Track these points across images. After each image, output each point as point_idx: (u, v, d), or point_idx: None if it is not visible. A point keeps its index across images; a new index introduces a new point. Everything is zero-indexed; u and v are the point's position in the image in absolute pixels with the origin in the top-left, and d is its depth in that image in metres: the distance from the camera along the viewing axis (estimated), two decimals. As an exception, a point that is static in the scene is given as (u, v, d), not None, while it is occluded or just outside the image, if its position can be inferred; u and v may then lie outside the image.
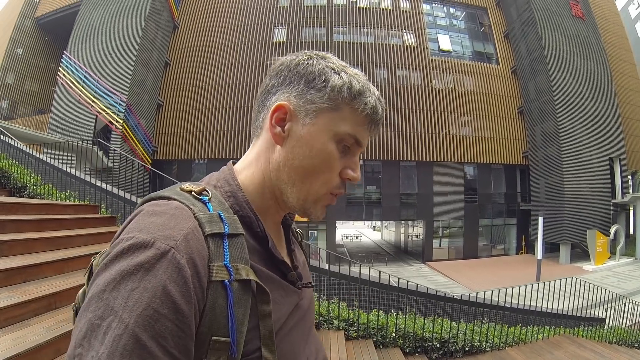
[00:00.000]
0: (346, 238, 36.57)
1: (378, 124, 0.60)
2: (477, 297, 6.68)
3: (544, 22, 20.94)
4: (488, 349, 5.05)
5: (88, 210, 4.91)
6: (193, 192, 0.53)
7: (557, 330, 6.19)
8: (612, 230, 18.67)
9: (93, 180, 6.46)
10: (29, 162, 7.14)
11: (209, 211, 0.51)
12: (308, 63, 0.58)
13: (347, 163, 0.59)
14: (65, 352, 1.58)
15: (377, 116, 0.59)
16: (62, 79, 19.62)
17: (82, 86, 18.84)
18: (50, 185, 6.27)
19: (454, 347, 4.81)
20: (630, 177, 22.00)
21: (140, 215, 0.48)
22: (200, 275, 0.45)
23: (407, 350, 4.56)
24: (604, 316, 7.67)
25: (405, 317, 4.78)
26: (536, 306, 6.82)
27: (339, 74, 0.57)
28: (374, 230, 45.28)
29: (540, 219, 17.46)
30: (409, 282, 5.70)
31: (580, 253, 19.78)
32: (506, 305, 6.50)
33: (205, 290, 0.45)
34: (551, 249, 21.10)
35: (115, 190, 6.22)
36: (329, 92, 0.56)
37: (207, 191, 0.55)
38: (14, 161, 6.83)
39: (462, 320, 5.76)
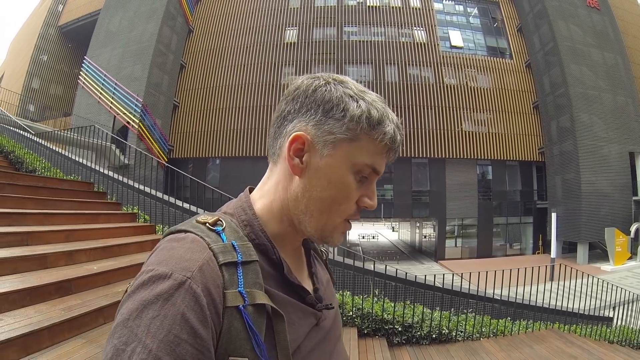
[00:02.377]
0: (362, 237, 37.53)
1: (396, 151, 0.61)
2: (461, 287, 6.50)
3: (557, 13, 20.72)
4: (460, 339, 4.94)
5: (82, 186, 5.66)
6: (207, 224, 0.56)
7: (547, 325, 5.99)
8: (633, 228, 18.19)
9: (89, 164, 7.24)
10: (41, 152, 8.06)
11: (223, 241, 0.54)
12: (325, 90, 0.58)
13: (364, 192, 0.60)
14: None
15: (395, 144, 0.60)
16: (83, 83, 20.96)
17: (102, 88, 20.09)
18: (58, 170, 7.12)
19: (418, 333, 4.72)
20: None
21: (160, 250, 0.52)
22: (215, 302, 0.48)
23: (366, 332, 4.53)
24: (611, 316, 7.35)
25: (363, 298, 4.73)
26: (535, 302, 6.61)
27: (357, 102, 0.57)
28: (393, 230, 45.82)
29: (554, 216, 17.14)
30: (390, 269, 5.83)
31: (601, 254, 19.18)
32: (495, 297, 6.35)
33: (221, 315, 0.48)
34: (570, 249, 20.75)
35: (110, 174, 6.96)
36: (347, 122, 0.56)
37: (221, 221, 0.58)
38: (28, 150, 7.87)
39: (438, 309, 5.62)
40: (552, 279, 14.50)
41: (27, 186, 4.81)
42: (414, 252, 26.48)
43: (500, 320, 5.70)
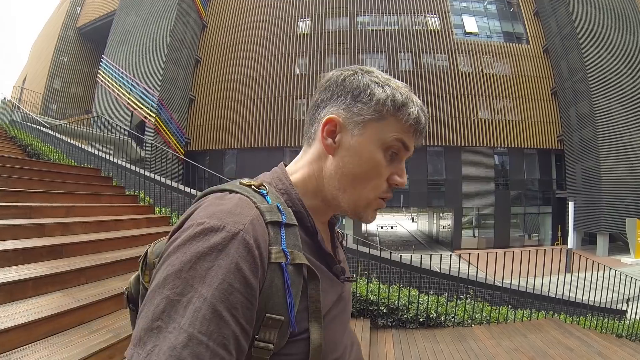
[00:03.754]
0: (381, 228, 38.02)
1: (422, 132, 0.65)
2: (459, 272, 6.36)
3: (574, -6, 20.02)
4: (450, 324, 4.94)
5: (89, 172, 6.10)
6: (253, 186, 0.59)
7: (550, 314, 5.86)
8: None
9: (99, 154, 7.71)
10: (57, 144, 8.65)
11: (268, 202, 0.57)
12: (354, 78, 0.63)
13: (394, 170, 0.64)
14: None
15: (420, 125, 0.63)
16: (102, 81, 21.83)
17: (119, 85, 20.87)
18: (72, 160, 7.61)
19: (405, 316, 4.74)
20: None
21: (206, 205, 0.54)
22: (263, 256, 0.50)
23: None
24: (625, 309, 7.04)
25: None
26: (548, 293, 6.33)
27: (382, 87, 0.62)
28: (413, 221, 45.96)
29: (571, 204, 16.81)
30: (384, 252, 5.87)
31: (622, 246, 18.44)
32: (496, 284, 6.25)
33: (265, 270, 0.50)
34: (590, 240, 20.23)
35: (116, 160, 7.43)
36: (374, 104, 0.61)
37: (264, 186, 0.61)
38: (44, 143, 8.54)
39: (432, 293, 5.63)
40: (567, 270, 14.25)
41: (37, 170, 5.26)
42: (431, 242, 26.43)
43: (495, 308, 5.61)
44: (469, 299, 5.48)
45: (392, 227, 39.61)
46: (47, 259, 3.08)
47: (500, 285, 6.19)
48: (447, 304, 5.10)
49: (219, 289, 0.45)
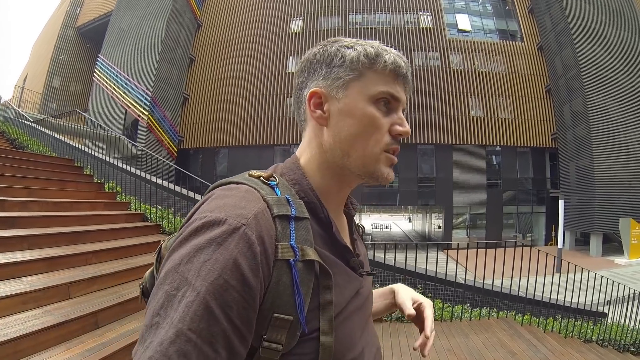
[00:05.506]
0: (375, 227, 38.85)
1: (405, 77, 0.64)
2: (415, 267, 6.27)
3: (567, -10, 20.26)
4: (387, 319, 4.96)
5: (63, 161, 6.78)
6: (261, 178, 0.59)
7: (510, 314, 5.77)
8: None
9: (79, 146, 8.45)
10: (43, 138, 9.48)
11: (277, 195, 0.57)
12: (323, 50, 0.65)
13: (392, 120, 0.64)
14: None
15: (400, 69, 0.63)
16: (97, 79, 22.91)
17: (114, 84, 21.87)
18: (55, 153, 8.40)
19: None
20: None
21: (212, 198, 0.55)
22: (267, 252, 0.50)
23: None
24: (606, 312, 6.93)
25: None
26: (524, 293, 6.20)
27: (352, 48, 0.63)
28: (409, 221, 46.59)
29: (561, 203, 16.77)
30: None
31: (618, 247, 18.37)
32: (458, 282, 6.15)
33: (271, 267, 0.50)
34: (584, 241, 20.28)
35: (89, 151, 8.23)
36: (348, 64, 0.62)
37: (274, 177, 0.61)
38: (31, 137, 9.43)
39: (378, 285, 5.34)
40: (556, 271, 14.39)
41: (13, 158, 6.00)
42: (424, 241, 26.93)
43: (449, 305, 5.58)
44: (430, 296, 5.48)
45: (387, 227, 40.33)
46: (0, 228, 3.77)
47: (462, 282, 6.17)
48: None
49: (214, 285, 0.45)
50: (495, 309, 5.85)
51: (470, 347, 4.34)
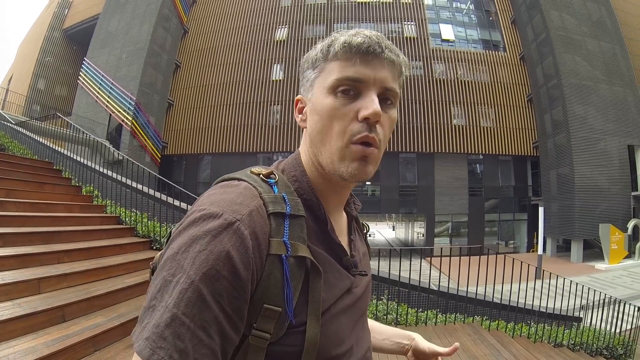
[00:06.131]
0: None
1: (367, 52, 0.60)
2: (380, 272, 6.07)
3: (549, 2, 20.96)
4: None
5: (42, 164, 7.03)
6: (261, 175, 0.62)
7: (470, 319, 5.69)
8: (630, 225, 17.87)
9: (60, 150, 8.64)
10: (24, 141, 9.65)
11: (274, 193, 0.59)
12: (305, 60, 0.68)
13: (359, 105, 0.60)
14: None
15: (356, 48, 0.60)
16: (82, 83, 23.01)
17: (99, 88, 22.00)
18: (35, 156, 8.56)
19: None
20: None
21: (212, 193, 0.58)
22: (261, 247, 0.52)
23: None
24: (581, 316, 7.03)
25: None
26: (504, 300, 6.26)
27: (315, 49, 0.65)
28: (393, 229, 47.18)
29: (541, 210, 17.19)
30: None
31: (599, 253, 18.61)
32: (431, 288, 6.16)
33: (264, 261, 0.53)
34: (566, 247, 20.62)
35: (69, 154, 8.34)
36: (311, 64, 0.65)
37: (274, 174, 0.63)
38: (12, 139, 9.56)
39: None
40: (537, 277, 14.66)
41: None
42: (406, 249, 27.30)
43: (414, 310, 5.57)
44: (382, 299, 5.61)
45: (370, 235, 40.53)
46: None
47: (436, 289, 6.14)
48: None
49: (207, 275, 0.47)
50: (465, 315, 5.84)
51: (428, 352, 4.48)
